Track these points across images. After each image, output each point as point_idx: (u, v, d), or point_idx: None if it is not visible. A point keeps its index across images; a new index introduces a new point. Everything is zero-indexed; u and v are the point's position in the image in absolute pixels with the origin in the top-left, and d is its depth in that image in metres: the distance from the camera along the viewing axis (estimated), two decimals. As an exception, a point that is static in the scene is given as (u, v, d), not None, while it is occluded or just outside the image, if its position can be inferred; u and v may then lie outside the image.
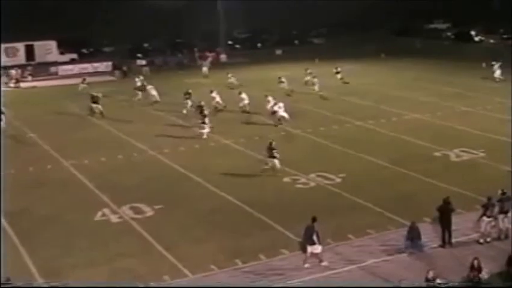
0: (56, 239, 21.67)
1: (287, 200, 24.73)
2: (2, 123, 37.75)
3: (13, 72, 61.48)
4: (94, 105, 41.49)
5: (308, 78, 49.37)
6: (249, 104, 40.45)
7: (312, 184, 26.49)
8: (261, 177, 27.47)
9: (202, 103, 37.20)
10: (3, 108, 39.29)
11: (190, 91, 42.27)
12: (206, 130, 34.54)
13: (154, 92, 45.00)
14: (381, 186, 25.87)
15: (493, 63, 50.19)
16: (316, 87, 46.45)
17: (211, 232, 21.72)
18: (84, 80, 51.70)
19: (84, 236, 21.81)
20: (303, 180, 26.89)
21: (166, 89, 47.88)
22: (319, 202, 24.00)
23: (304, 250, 19.24)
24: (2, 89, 55.01)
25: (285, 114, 37.01)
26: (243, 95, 41.07)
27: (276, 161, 27.71)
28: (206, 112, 35.90)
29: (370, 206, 23.50)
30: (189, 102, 41.02)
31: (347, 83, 50.82)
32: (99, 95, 42.71)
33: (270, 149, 27.76)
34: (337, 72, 52.66)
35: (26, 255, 20.46)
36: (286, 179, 27.08)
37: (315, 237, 18.95)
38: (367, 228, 21.30)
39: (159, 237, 21.43)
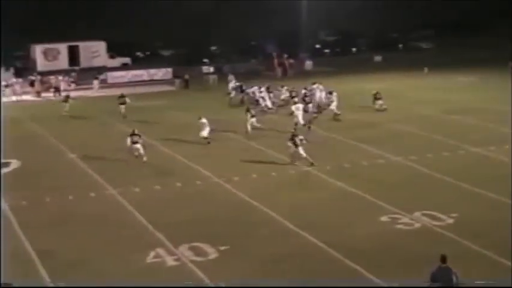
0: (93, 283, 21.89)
1: (384, 244, 24.29)
2: None
3: (52, 79, 63.37)
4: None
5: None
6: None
7: (417, 225, 26.02)
8: (351, 214, 27.24)
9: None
10: None
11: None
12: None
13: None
14: (504, 230, 25.09)
15: None
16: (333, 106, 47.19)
17: (286, 282, 21.53)
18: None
19: (131, 281, 21.85)
20: (405, 220, 26.44)
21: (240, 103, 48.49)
22: (425, 247, 23.44)
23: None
24: (24, 98, 57.68)
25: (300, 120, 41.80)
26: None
27: (300, 149, 33.28)
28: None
29: (490, 255, 22.85)
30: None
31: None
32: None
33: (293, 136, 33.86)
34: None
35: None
36: (383, 218, 26.72)
37: (454, 279, 18.49)
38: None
39: (221, 285, 21.39)
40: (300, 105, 44.37)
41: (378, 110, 47.18)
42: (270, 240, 24.96)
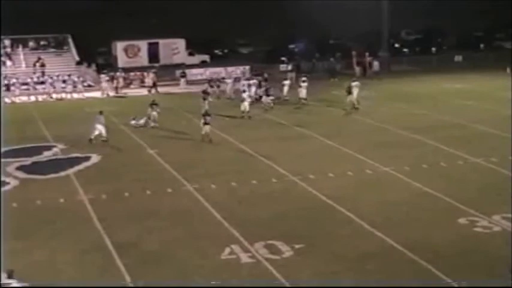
0: (169, 278, 22.01)
1: (461, 246, 23.89)
2: None
3: (151, 75, 64.28)
4: None
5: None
6: None
7: (496, 228, 25.49)
8: (429, 216, 26.89)
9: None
10: None
11: None
12: None
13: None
14: None
15: None
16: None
17: (360, 283, 21.39)
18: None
19: (203, 276, 21.96)
20: (484, 223, 25.95)
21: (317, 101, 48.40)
22: (503, 251, 22.96)
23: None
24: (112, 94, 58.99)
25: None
26: None
27: (207, 127, 38.92)
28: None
29: None
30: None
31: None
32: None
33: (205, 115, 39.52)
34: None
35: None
36: (461, 220, 26.30)
37: None
38: None
39: (297, 284, 21.32)
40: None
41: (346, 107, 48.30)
42: (346, 240, 24.81)
